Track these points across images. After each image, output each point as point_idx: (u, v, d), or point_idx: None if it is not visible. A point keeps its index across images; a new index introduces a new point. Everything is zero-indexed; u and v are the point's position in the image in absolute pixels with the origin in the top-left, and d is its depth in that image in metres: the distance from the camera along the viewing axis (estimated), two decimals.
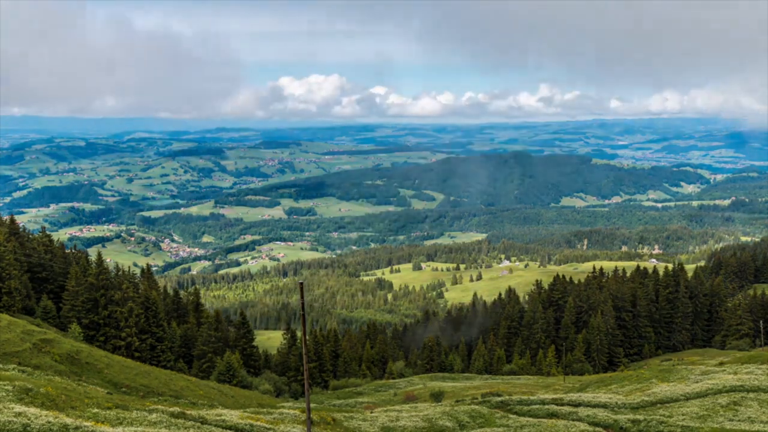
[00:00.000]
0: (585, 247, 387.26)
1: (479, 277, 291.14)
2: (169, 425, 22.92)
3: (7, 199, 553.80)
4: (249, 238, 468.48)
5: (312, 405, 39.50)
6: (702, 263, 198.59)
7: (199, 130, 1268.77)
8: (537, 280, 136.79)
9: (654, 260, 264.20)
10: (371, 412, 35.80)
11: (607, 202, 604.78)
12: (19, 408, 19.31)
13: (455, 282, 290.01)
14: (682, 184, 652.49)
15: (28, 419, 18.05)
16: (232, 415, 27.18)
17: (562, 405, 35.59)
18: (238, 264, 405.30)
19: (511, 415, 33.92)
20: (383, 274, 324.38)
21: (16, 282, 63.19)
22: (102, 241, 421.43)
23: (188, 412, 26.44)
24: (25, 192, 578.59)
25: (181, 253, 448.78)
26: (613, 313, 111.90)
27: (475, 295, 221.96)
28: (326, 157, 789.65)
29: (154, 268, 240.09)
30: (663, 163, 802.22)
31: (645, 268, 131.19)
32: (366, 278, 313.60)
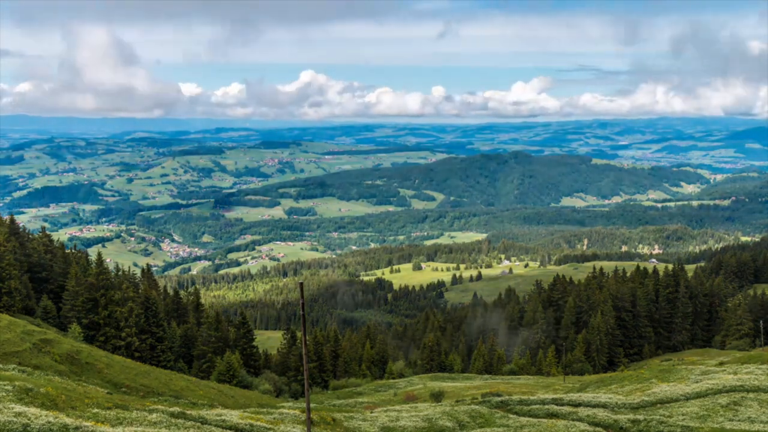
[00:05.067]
0: (585, 247, 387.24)
1: (479, 277, 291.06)
2: (169, 425, 22.91)
3: (7, 199, 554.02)
4: (249, 238, 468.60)
5: (312, 405, 39.49)
6: (702, 263, 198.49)
7: (199, 130, 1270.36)
8: (537, 280, 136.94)
9: (654, 260, 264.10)
10: (371, 412, 35.79)
11: (607, 202, 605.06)
12: (19, 408, 19.31)
13: (455, 282, 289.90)
14: (682, 184, 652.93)
15: (28, 419, 18.04)
16: (232, 415, 27.17)
17: (562, 405, 35.58)
18: (238, 264, 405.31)
19: (511, 415, 33.92)
20: (383, 274, 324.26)
21: (16, 282, 63.20)
22: (102, 241, 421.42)
23: (188, 412, 26.44)
24: (25, 192, 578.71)
25: (181, 253, 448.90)
26: (613, 313, 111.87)
27: (475, 295, 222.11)
28: (326, 157, 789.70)
29: (154, 268, 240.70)
30: (663, 163, 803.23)
31: (645, 268, 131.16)
32: (366, 278, 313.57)
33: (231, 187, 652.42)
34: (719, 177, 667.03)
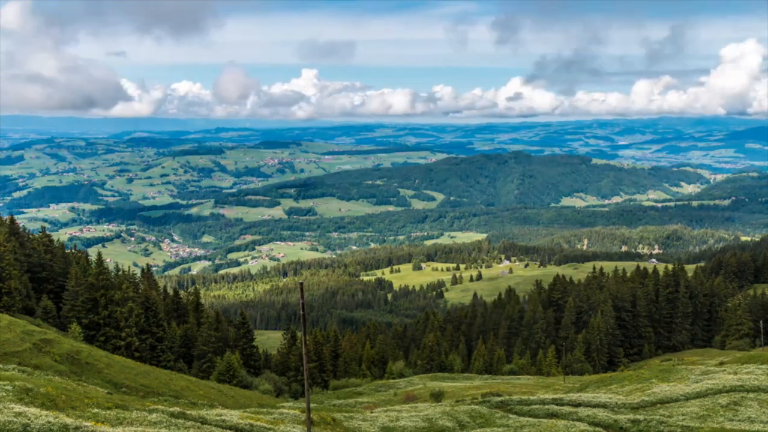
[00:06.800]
0: (585, 247, 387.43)
1: (479, 277, 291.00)
2: (169, 425, 22.88)
3: (7, 199, 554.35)
4: (249, 238, 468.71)
5: (312, 405, 39.48)
6: (702, 263, 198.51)
7: (199, 130, 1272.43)
8: (537, 280, 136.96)
9: (654, 260, 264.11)
10: (371, 412, 35.79)
11: (607, 202, 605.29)
12: (19, 408, 19.29)
13: (455, 282, 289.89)
14: (682, 184, 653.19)
15: (28, 419, 18.03)
16: (232, 415, 27.16)
17: (562, 405, 35.57)
18: (238, 264, 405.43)
19: (511, 415, 33.91)
20: (383, 274, 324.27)
21: (16, 282, 63.13)
22: (102, 241, 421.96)
23: (188, 412, 26.43)
24: (25, 192, 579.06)
25: (181, 253, 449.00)
26: (613, 313, 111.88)
27: (475, 295, 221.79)
28: (326, 157, 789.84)
29: (154, 268, 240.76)
30: (663, 163, 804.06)
31: (645, 268, 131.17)
32: (366, 278, 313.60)
33: (231, 187, 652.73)
34: (719, 177, 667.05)
